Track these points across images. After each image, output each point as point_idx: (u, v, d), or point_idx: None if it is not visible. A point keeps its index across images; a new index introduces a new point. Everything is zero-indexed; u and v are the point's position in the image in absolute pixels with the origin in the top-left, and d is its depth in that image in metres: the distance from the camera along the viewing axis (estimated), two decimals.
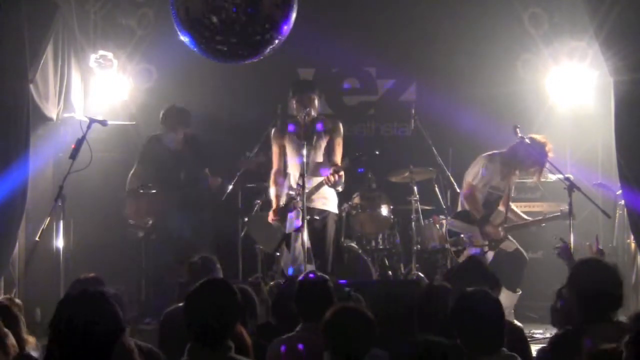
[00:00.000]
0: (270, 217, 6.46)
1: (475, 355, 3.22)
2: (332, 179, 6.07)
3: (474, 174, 6.69)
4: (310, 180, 6.21)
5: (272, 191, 6.52)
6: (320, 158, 6.40)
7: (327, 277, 4.29)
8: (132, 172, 6.85)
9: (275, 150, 6.55)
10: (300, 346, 3.73)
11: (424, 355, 2.76)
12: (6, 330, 3.48)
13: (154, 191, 6.67)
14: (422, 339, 2.84)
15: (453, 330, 3.30)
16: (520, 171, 6.79)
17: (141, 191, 6.70)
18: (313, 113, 6.32)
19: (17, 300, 4.46)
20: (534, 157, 6.43)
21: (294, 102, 6.35)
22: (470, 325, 3.23)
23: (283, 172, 6.51)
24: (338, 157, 6.38)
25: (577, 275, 3.65)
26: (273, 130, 6.59)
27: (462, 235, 6.65)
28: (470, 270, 4.31)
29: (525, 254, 6.71)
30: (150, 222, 6.76)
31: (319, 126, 6.41)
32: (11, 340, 3.49)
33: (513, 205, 6.95)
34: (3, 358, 3.38)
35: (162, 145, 6.91)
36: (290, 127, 6.46)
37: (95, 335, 2.70)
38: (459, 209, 6.89)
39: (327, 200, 6.41)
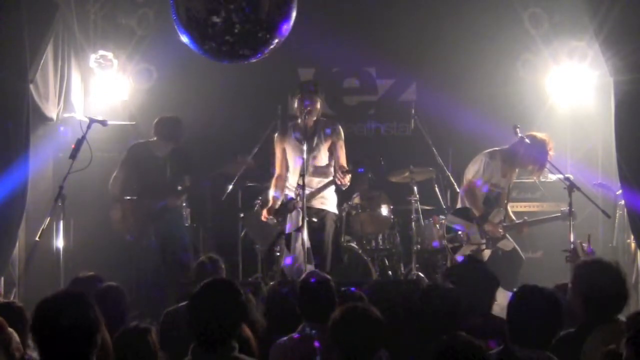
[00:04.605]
0: (264, 215, 6.48)
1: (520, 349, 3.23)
2: (343, 180, 6.11)
3: (475, 171, 6.67)
4: (311, 181, 6.23)
5: (271, 192, 6.54)
6: (320, 160, 6.39)
7: (329, 277, 4.28)
8: (113, 176, 6.78)
9: (278, 155, 6.56)
10: (316, 343, 3.72)
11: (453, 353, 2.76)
12: (10, 330, 3.47)
13: (136, 197, 6.67)
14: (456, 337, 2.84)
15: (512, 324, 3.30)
16: (520, 169, 6.78)
17: (127, 198, 6.71)
18: (314, 114, 6.32)
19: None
20: (533, 156, 6.42)
21: (296, 102, 6.35)
22: (525, 319, 3.24)
23: (284, 178, 6.52)
24: (343, 159, 6.38)
25: (581, 277, 3.64)
26: (275, 135, 6.60)
27: (459, 232, 6.63)
28: (471, 270, 4.31)
29: (521, 253, 6.70)
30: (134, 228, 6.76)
31: (319, 129, 6.42)
32: (16, 342, 3.48)
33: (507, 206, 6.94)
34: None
35: (147, 152, 6.84)
36: (291, 129, 6.49)
37: (70, 336, 2.72)
38: (459, 206, 6.87)
39: (326, 200, 6.41)
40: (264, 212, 6.48)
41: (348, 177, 6.14)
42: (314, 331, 3.85)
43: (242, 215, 7.10)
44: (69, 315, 2.74)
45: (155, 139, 6.86)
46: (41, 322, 2.77)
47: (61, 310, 2.76)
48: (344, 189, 6.36)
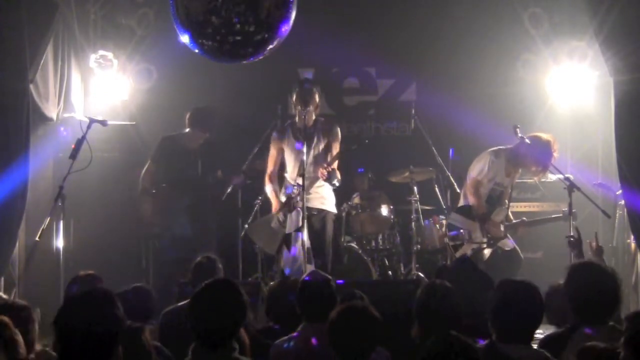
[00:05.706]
0: (274, 208, 6.45)
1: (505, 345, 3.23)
2: (324, 172, 6.08)
3: (479, 169, 6.64)
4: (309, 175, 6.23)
5: (269, 188, 6.53)
6: (318, 160, 6.39)
7: (329, 277, 4.29)
8: (144, 169, 6.90)
9: (272, 153, 6.56)
10: (314, 340, 3.72)
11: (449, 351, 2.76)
12: (19, 339, 3.44)
13: (165, 190, 6.75)
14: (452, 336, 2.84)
15: (492, 320, 3.31)
16: (523, 170, 6.76)
17: (154, 191, 6.77)
18: (313, 110, 6.31)
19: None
20: (537, 157, 6.40)
21: (295, 97, 6.34)
22: (510, 315, 3.25)
23: (276, 175, 6.55)
24: (334, 161, 6.37)
25: (573, 278, 3.65)
26: (273, 135, 6.59)
27: (461, 231, 6.62)
28: (463, 270, 4.30)
29: (520, 253, 6.69)
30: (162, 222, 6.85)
31: (318, 128, 6.40)
32: (22, 347, 3.45)
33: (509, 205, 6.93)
34: None
35: (177, 145, 6.92)
36: (290, 128, 6.48)
37: (95, 336, 2.71)
38: (461, 204, 6.86)
39: (325, 200, 6.41)
40: (274, 206, 6.46)
41: (330, 169, 6.09)
42: (313, 332, 3.85)
43: (245, 226, 7.12)
44: (94, 314, 2.73)
45: (187, 130, 6.92)
46: (66, 320, 2.75)
47: (87, 309, 2.76)
48: (334, 183, 6.25)
